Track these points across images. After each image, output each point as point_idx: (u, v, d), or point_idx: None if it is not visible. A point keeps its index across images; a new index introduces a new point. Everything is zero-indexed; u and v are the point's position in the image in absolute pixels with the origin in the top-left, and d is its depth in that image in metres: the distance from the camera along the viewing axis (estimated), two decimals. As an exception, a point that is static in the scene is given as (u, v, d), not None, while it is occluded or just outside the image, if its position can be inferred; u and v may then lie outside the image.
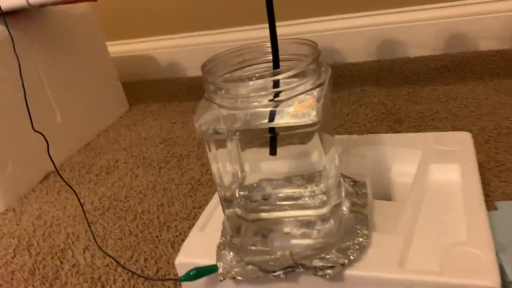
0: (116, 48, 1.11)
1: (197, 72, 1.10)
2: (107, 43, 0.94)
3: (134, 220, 0.60)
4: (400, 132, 0.68)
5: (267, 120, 0.34)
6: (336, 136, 0.53)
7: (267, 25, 0.35)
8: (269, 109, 0.34)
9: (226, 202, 0.39)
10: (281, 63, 0.36)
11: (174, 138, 0.81)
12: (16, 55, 0.49)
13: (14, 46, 0.51)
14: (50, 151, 0.47)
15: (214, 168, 0.38)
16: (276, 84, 0.34)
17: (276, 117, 0.34)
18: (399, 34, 0.95)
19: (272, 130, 0.36)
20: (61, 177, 0.48)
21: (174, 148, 0.77)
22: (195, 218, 0.58)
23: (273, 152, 0.38)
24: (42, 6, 0.71)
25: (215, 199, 0.48)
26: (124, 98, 0.97)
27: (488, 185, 0.53)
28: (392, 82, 0.86)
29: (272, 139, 0.37)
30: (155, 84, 1.11)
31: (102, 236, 0.58)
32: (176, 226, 0.57)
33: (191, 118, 0.87)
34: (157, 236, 0.56)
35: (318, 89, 0.34)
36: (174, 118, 0.89)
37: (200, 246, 0.41)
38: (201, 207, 0.60)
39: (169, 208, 0.61)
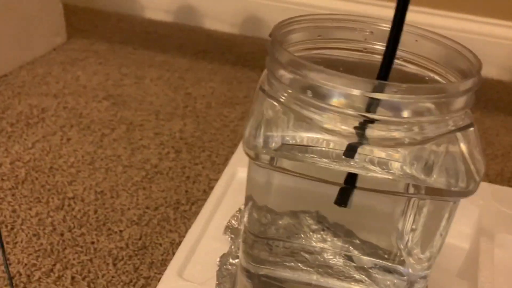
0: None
1: (158, 16, 0.91)
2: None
3: (61, 208, 0.43)
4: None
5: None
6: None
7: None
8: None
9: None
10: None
11: (124, 96, 0.63)
12: None
13: None
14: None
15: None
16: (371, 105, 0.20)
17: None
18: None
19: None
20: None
21: (123, 110, 0.60)
22: (149, 224, 0.42)
23: (341, 201, 0.24)
24: None
25: (201, 222, 0.33)
26: (63, 26, 0.76)
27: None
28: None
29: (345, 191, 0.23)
30: (104, 16, 0.89)
31: (9, 226, 0.41)
32: (121, 231, 0.41)
33: (148, 74, 0.69)
34: (92, 243, 0.40)
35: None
36: (126, 68, 0.71)
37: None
38: (158, 208, 0.44)
39: (112, 200, 0.45)
